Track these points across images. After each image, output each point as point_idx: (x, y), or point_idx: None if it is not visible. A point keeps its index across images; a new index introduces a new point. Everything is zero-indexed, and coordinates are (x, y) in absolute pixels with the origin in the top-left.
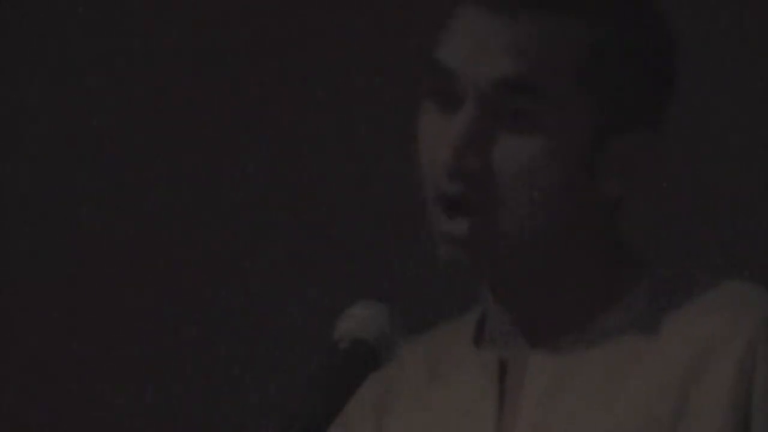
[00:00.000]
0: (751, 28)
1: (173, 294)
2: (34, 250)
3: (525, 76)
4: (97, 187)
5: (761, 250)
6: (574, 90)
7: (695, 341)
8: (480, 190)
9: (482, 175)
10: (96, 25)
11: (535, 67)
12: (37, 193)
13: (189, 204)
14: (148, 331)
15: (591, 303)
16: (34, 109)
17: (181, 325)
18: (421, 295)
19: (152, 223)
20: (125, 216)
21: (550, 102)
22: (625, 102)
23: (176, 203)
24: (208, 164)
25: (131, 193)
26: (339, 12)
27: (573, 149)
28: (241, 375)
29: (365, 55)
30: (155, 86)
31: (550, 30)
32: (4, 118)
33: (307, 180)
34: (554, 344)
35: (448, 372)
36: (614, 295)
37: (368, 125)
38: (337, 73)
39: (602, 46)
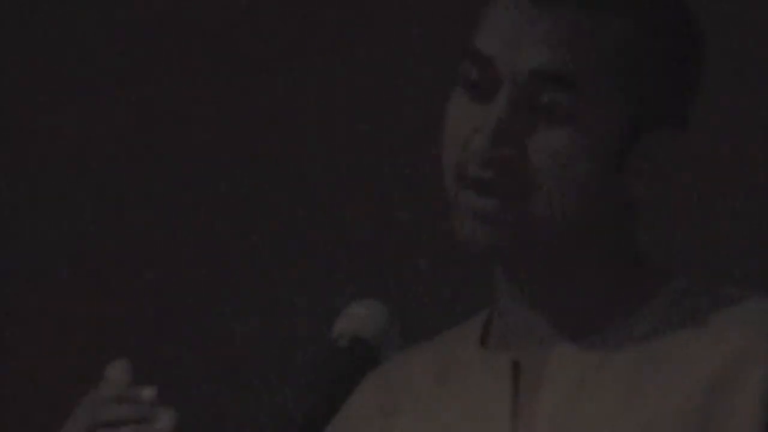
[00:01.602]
0: None
1: (173, 294)
2: (34, 250)
3: (561, 68)
4: (99, 184)
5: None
6: (609, 84)
7: (721, 353)
8: (512, 178)
9: (515, 163)
10: (97, 26)
11: (572, 60)
12: (38, 195)
13: (190, 204)
14: (147, 331)
15: (612, 306)
16: (35, 112)
17: (180, 325)
18: (421, 295)
19: (153, 222)
20: (127, 214)
21: (584, 95)
22: (656, 98)
23: (177, 203)
24: (210, 163)
25: (134, 191)
26: (351, 10)
27: (605, 143)
28: (240, 374)
29: (368, 56)
30: (160, 84)
31: (588, 23)
32: (5, 119)
33: (308, 179)
34: (574, 346)
35: (457, 374)
36: (637, 300)
37: (371, 125)
38: (340, 70)
39: (637, 42)
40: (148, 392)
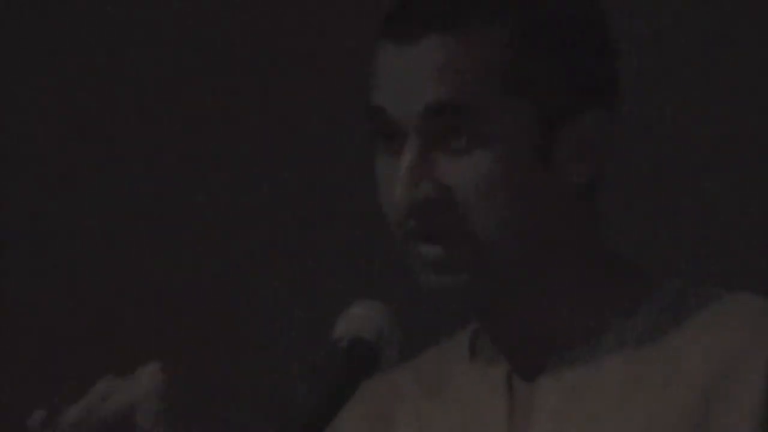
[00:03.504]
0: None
1: (173, 295)
2: (36, 252)
3: (449, 99)
4: (101, 188)
5: (753, 258)
6: (504, 96)
7: (713, 357)
8: (442, 219)
9: (440, 204)
10: (94, 24)
11: (457, 87)
12: (38, 196)
13: (190, 205)
14: (147, 331)
15: (597, 315)
16: (35, 111)
17: (180, 326)
18: (421, 295)
19: (153, 223)
20: (126, 215)
21: (483, 115)
22: (563, 90)
23: (177, 204)
24: (209, 165)
25: (134, 194)
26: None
27: (522, 151)
28: (241, 374)
29: (365, 58)
30: (156, 89)
31: (463, 45)
32: (6, 120)
33: (308, 180)
34: (563, 358)
35: (450, 388)
36: (622, 309)
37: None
38: (338, 72)
39: (520, 45)
40: None
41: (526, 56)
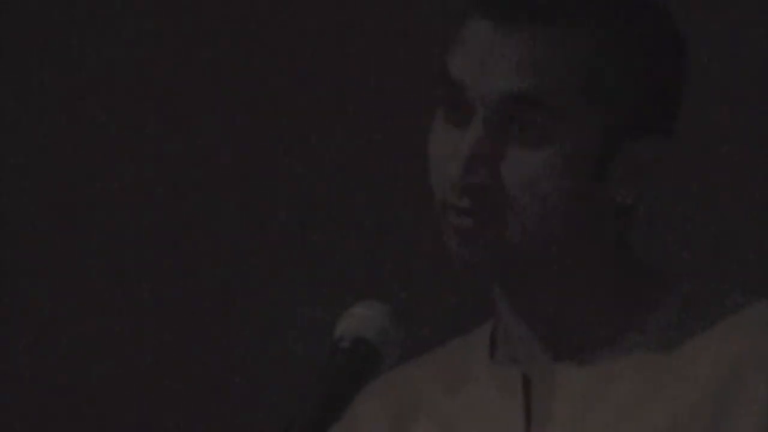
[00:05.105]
0: (757, 30)
1: (175, 296)
2: (38, 252)
3: (531, 91)
4: (105, 186)
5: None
6: (581, 101)
7: (727, 360)
8: (489, 203)
9: (491, 189)
10: (97, 27)
11: (541, 81)
12: (39, 195)
13: (192, 205)
14: (149, 333)
15: (615, 317)
16: (37, 112)
17: (182, 327)
18: (422, 295)
19: (154, 223)
20: (132, 214)
21: (557, 114)
22: (634, 109)
23: (180, 204)
24: (212, 165)
25: (139, 193)
26: (348, 12)
27: (583, 159)
28: (243, 375)
29: (371, 55)
30: (157, 86)
31: (555, 43)
32: (7, 120)
33: (308, 179)
34: (580, 359)
35: (468, 387)
36: (640, 311)
37: (371, 125)
38: (342, 72)
39: (607, 57)
40: None
41: (607, 67)
